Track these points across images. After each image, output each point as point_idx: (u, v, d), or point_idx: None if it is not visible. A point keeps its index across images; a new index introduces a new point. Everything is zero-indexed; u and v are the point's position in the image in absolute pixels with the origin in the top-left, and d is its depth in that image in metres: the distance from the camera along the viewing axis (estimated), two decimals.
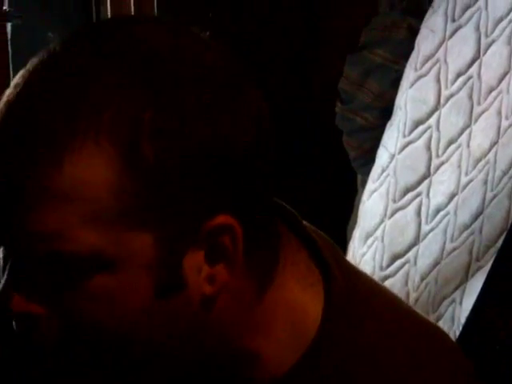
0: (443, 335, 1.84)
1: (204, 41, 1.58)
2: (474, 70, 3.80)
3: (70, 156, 1.40)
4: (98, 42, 1.53)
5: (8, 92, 1.48)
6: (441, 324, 3.20)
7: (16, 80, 1.49)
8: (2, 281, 1.47)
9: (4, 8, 3.33)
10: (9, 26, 3.62)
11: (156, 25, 1.59)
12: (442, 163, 3.78)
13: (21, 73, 1.49)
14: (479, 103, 3.74)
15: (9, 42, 3.37)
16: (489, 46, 3.76)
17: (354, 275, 1.75)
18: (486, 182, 3.56)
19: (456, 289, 3.49)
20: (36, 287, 1.47)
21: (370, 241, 3.82)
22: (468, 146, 3.71)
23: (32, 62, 1.49)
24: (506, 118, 3.57)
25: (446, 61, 3.89)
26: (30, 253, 1.43)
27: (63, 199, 1.41)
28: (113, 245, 1.43)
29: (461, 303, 3.40)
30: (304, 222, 1.74)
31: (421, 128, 3.88)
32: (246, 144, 1.51)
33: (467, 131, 3.73)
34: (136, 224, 1.44)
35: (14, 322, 1.50)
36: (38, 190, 1.41)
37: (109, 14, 4.41)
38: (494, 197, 3.50)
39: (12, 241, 1.46)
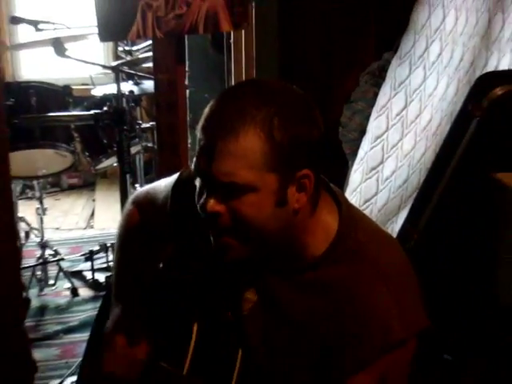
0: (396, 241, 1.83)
1: (294, 87, 1.58)
2: (404, 112, 3.81)
3: (242, 134, 1.46)
4: (247, 87, 1.60)
5: (210, 104, 1.54)
6: None
7: (213, 103, 1.54)
8: (202, 199, 1.54)
9: (186, 83, 3.34)
10: (187, 91, 3.65)
11: (270, 81, 1.67)
12: (389, 156, 3.79)
13: (214, 102, 1.55)
14: (407, 128, 3.78)
15: (187, 100, 3.37)
16: (411, 102, 3.78)
17: (353, 207, 1.76)
18: (409, 166, 3.59)
19: (394, 216, 3.54)
20: (221, 197, 1.52)
21: (354, 193, 3.85)
22: (402, 148, 3.74)
23: (216, 99, 1.56)
24: (418, 136, 3.61)
25: (391, 108, 3.92)
26: (219, 181, 1.50)
27: (237, 156, 1.48)
28: (259, 180, 1.49)
29: (396, 222, 3.45)
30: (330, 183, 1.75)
31: (379, 140, 3.89)
32: (317, 136, 1.55)
33: (401, 142, 3.75)
34: (270, 170, 1.49)
35: (207, 218, 1.56)
36: (225, 147, 1.47)
37: (233, 83, 4.31)
38: (413, 173, 3.54)
39: (210, 175, 1.51)
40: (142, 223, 2.02)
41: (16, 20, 4.14)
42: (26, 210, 4.82)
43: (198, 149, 1.54)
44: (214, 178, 1.52)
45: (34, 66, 5.76)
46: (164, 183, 1.94)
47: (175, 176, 1.91)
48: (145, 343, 1.87)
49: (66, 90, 4.28)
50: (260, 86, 1.61)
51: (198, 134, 1.55)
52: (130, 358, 1.87)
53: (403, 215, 3.29)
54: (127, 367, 1.87)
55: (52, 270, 4.54)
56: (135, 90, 4.38)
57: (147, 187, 2.06)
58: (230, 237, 1.58)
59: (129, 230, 2.04)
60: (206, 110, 1.55)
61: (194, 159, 1.57)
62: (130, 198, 2.09)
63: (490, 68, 3.15)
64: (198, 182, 1.59)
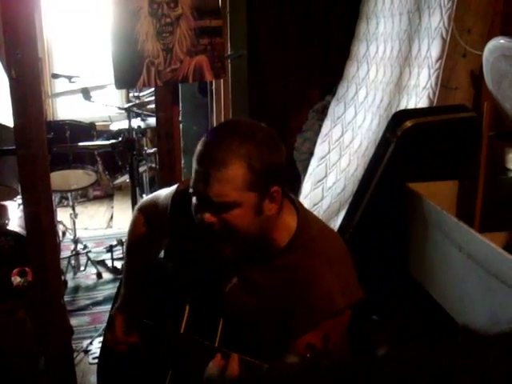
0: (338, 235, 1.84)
1: (264, 125, 1.59)
2: (341, 139, 3.82)
3: (230, 165, 1.47)
4: (230, 128, 1.58)
5: (203, 142, 1.53)
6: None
7: (205, 141, 1.53)
8: (199, 213, 1.55)
9: (179, 119, 3.33)
10: (180, 125, 3.63)
11: (247, 121, 1.63)
12: (331, 172, 3.79)
13: (206, 141, 1.54)
14: (343, 150, 3.79)
15: (181, 131, 3.35)
16: (346, 131, 3.78)
17: (308, 211, 1.75)
18: (345, 179, 3.59)
19: (335, 215, 3.52)
20: (214, 212, 1.52)
21: (305, 199, 3.85)
22: (340, 166, 3.74)
23: (208, 139, 1.54)
24: (352, 156, 3.64)
25: (331, 136, 3.93)
26: (213, 201, 1.50)
27: (227, 181, 1.48)
28: (242, 198, 1.50)
29: (337, 220, 3.42)
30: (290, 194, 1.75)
31: (323, 160, 3.89)
32: (282, 161, 1.55)
33: (339, 161, 3.75)
34: (250, 190, 1.50)
35: (204, 227, 1.55)
36: (217, 176, 1.47)
37: (215, 119, 4.38)
38: (348, 183, 3.53)
39: (206, 197, 1.50)
40: (145, 224, 2.01)
41: (55, 75, 4.16)
42: (62, 215, 4.80)
43: (195, 176, 1.54)
44: (209, 199, 1.51)
45: (68, 109, 5.75)
46: (164, 193, 1.93)
47: (173, 188, 1.89)
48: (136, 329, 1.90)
49: (91, 125, 4.30)
50: (240, 127, 1.59)
51: (194, 164, 1.54)
52: (122, 340, 1.90)
53: (342, 215, 3.28)
54: (122, 345, 1.90)
55: (82, 260, 4.54)
56: (142, 124, 4.38)
57: (150, 196, 2.05)
58: (222, 241, 1.58)
59: (135, 230, 2.03)
60: (200, 147, 1.55)
61: (192, 183, 1.56)
62: (137, 206, 2.08)
63: (402, 107, 3.16)
64: (194, 200, 1.59)
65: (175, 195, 1.86)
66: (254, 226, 1.58)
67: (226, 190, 1.50)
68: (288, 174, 1.65)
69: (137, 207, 2.07)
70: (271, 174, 1.54)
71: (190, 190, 1.58)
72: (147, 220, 2.01)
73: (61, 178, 4.09)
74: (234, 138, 1.52)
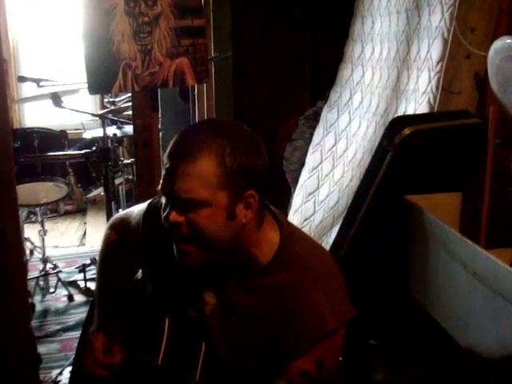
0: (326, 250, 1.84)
1: (245, 126, 1.61)
2: (334, 148, 3.83)
3: (199, 159, 1.46)
4: (206, 124, 1.64)
5: (175, 137, 1.54)
6: (324, 246, 3.20)
7: (177, 136, 1.55)
8: (166, 212, 1.54)
9: (159, 126, 3.32)
10: (160, 133, 3.64)
11: (227, 120, 1.65)
12: (323, 184, 3.80)
13: (178, 135, 1.55)
14: (337, 160, 3.80)
15: (160, 140, 3.34)
16: (339, 140, 3.80)
17: (292, 225, 1.74)
18: (339, 191, 3.60)
19: (328, 231, 3.52)
20: (181, 210, 1.52)
21: (295, 213, 3.86)
22: (333, 177, 3.75)
23: (180, 133, 1.56)
24: (346, 167, 3.64)
25: (324, 145, 3.94)
26: (180, 198, 1.50)
27: (195, 177, 1.47)
28: (212, 196, 1.49)
29: (330, 236, 3.43)
30: (272, 207, 1.74)
31: (315, 170, 3.90)
32: (261, 165, 1.55)
33: (332, 172, 3.76)
34: (221, 189, 1.49)
35: (170, 228, 1.56)
36: (184, 170, 1.47)
37: (197, 119, 4.38)
38: (342, 196, 3.53)
39: (173, 193, 1.50)
40: (118, 243, 2.00)
41: (22, 79, 4.13)
42: (30, 232, 4.79)
43: (164, 173, 1.54)
44: (175, 195, 1.51)
45: (36, 115, 5.74)
46: (136, 210, 1.93)
47: (145, 204, 1.90)
48: (118, 349, 1.86)
49: (62, 133, 4.29)
50: (217, 123, 1.62)
51: (164, 160, 1.55)
52: (104, 362, 1.86)
53: (335, 230, 3.28)
54: (102, 368, 1.86)
55: (52, 280, 4.51)
56: (118, 132, 4.38)
57: (122, 213, 2.05)
58: (188, 244, 1.57)
59: (107, 249, 2.03)
60: (172, 142, 1.55)
61: (161, 180, 1.56)
62: (108, 223, 2.07)
63: (400, 113, 3.17)
64: (163, 199, 1.58)
65: (147, 211, 1.86)
66: (225, 232, 1.57)
67: (193, 185, 1.50)
68: (272, 185, 1.64)
69: (108, 224, 2.07)
70: (246, 176, 1.54)
71: (158, 188, 1.58)
72: (120, 238, 2.01)
73: (28, 191, 4.07)
74: (206, 133, 1.53)
